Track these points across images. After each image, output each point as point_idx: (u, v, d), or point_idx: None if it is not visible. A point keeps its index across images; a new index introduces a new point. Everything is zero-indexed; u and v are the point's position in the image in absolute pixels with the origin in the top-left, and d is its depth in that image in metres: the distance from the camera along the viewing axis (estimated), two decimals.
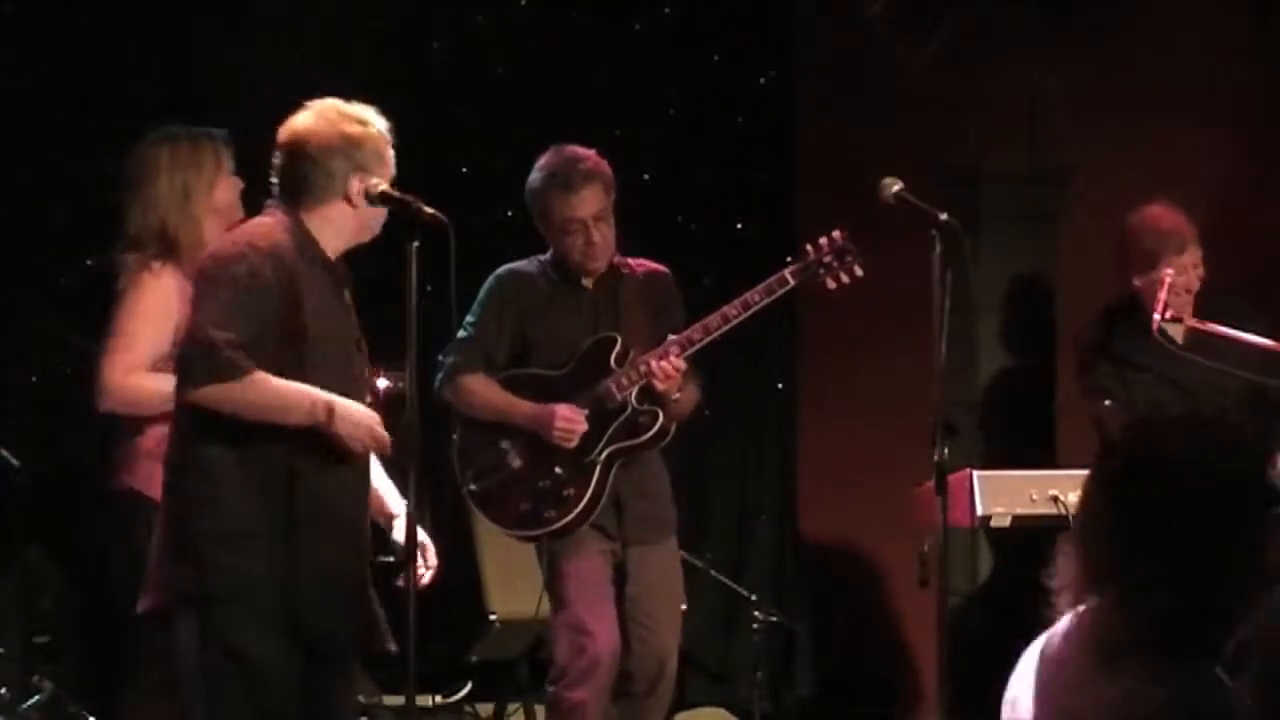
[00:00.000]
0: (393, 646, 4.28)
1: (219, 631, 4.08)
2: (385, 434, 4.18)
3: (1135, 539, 2.53)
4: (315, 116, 4.24)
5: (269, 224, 4.21)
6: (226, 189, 4.98)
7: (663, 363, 5.13)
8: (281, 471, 4.11)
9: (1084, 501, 2.65)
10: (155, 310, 4.86)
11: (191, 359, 4.10)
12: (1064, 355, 6.64)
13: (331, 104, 4.27)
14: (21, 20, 6.69)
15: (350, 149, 4.20)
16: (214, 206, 4.92)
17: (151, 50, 6.78)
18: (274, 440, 4.10)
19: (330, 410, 4.09)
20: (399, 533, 4.37)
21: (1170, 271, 5.64)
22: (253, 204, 4.59)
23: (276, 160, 4.27)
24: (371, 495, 4.35)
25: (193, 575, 4.09)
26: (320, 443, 4.12)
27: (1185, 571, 2.50)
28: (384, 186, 4.29)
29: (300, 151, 4.21)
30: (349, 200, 4.20)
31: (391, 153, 4.28)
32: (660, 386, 5.14)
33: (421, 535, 4.37)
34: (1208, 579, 2.50)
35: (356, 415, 4.15)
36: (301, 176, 4.20)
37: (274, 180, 4.28)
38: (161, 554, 4.16)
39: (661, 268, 5.41)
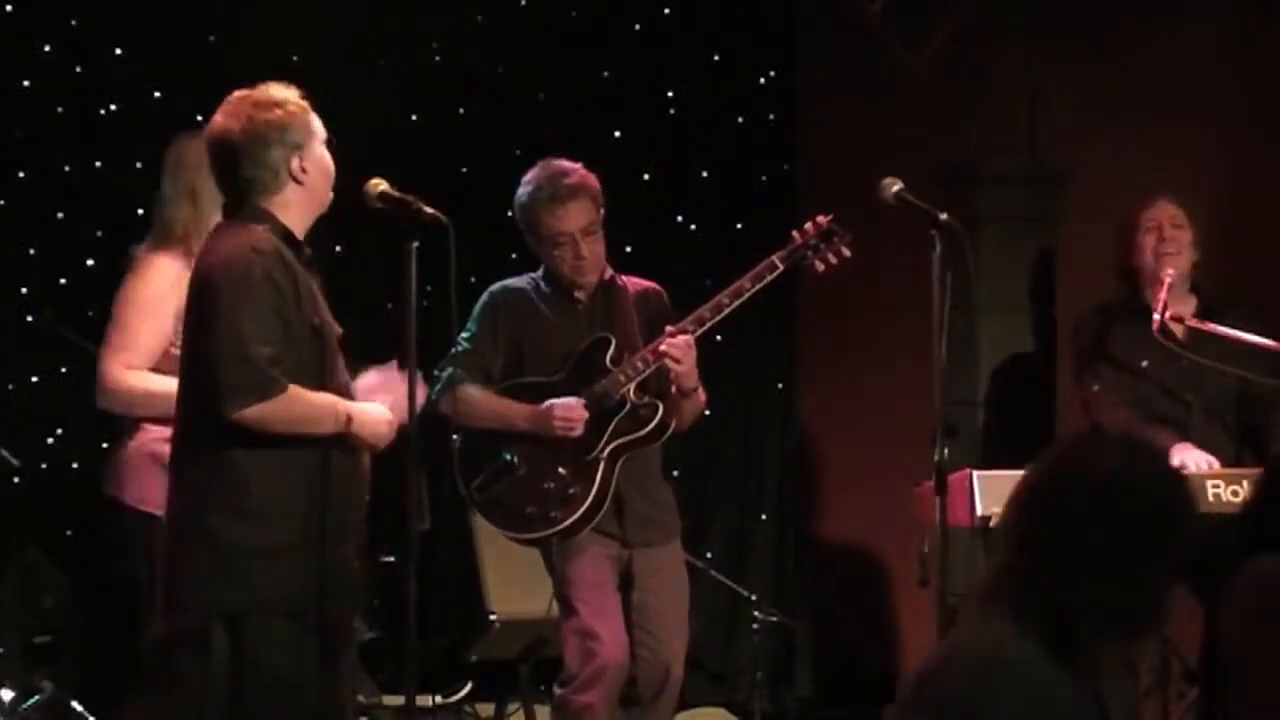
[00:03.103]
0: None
1: (255, 645, 4.04)
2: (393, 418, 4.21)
3: (1049, 548, 2.59)
4: (230, 116, 4.16)
5: (255, 227, 4.14)
6: None
7: (672, 340, 5.11)
8: (316, 477, 4.09)
9: (1009, 506, 2.70)
10: (156, 301, 4.83)
11: (234, 377, 4.00)
12: (1064, 355, 6.64)
13: (239, 97, 4.19)
14: (22, 20, 6.69)
15: (280, 134, 4.13)
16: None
17: (151, 50, 6.78)
18: (305, 447, 4.09)
19: (350, 418, 4.11)
20: None
21: (1171, 272, 5.66)
22: None
23: (215, 170, 4.22)
24: None
25: (234, 591, 4.05)
26: (340, 442, 4.13)
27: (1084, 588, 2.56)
28: (384, 186, 4.29)
29: (234, 155, 4.14)
30: (297, 180, 4.16)
31: (313, 117, 4.21)
32: (679, 365, 5.11)
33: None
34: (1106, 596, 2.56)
35: (373, 416, 4.18)
36: (247, 178, 4.14)
37: (221, 190, 4.23)
38: (192, 572, 4.09)
39: (655, 285, 5.41)
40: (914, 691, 2.62)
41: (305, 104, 4.20)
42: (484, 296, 5.34)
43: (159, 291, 4.86)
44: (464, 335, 5.26)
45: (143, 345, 4.83)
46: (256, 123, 4.12)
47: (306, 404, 4.08)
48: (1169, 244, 5.73)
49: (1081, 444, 2.69)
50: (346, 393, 4.21)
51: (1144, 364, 5.71)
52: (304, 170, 4.15)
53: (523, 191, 5.26)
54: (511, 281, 5.37)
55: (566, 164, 5.26)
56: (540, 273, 5.34)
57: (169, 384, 4.60)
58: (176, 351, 4.62)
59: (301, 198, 4.18)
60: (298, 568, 4.05)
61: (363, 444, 4.17)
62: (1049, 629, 2.57)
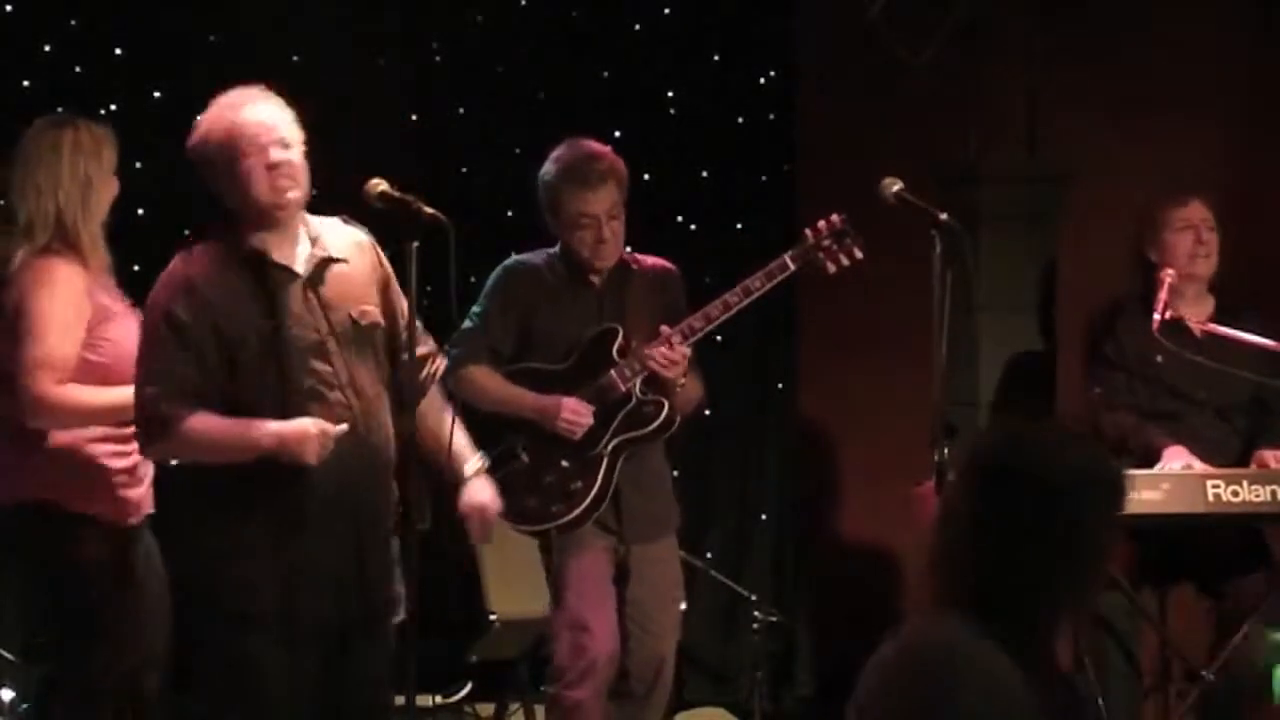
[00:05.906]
0: (400, 615, 4.26)
1: (223, 642, 4.07)
2: (329, 427, 4.10)
3: (987, 538, 2.69)
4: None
5: (196, 247, 4.22)
6: (115, 185, 4.75)
7: (663, 349, 5.11)
8: (281, 475, 4.08)
9: (946, 499, 2.83)
10: (71, 316, 4.61)
11: (136, 421, 4.18)
12: (1064, 355, 6.64)
13: (211, 108, 4.23)
14: (21, 20, 6.69)
15: (209, 163, 4.18)
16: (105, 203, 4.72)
17: (151, 50, 6.78)
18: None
19: (279, 440, 4.07)
20: (466, 496, 4.40)
21: (1170, 272, 5.65)
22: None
23: None
24: (446, 454, 4.37)
25: (200, 590, 4.14)
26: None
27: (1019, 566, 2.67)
28: (384, 186, 4.28)
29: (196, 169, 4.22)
30: (228, 204, 4.19)
31: (237, 137, 4.16)
32: (667, 373, 5.11)
33: (484, 497, 4.41)
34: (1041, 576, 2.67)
35: (297, 434, 4.08)
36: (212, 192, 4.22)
37: None
38: (179, 583, 4.34)
39: (670, 265, 5.38)
40: (873, 691, 2.67)
41: (233, 121, 4.16)
42: (498, 271, 5.29)
43: (73, 304, 4.61)
44: (475, 311, 5.22)
45: (70, 360, 4.57)
46: (193, 146, 4.20)
47: (211, 435, 4.09)
48: (1204, 246, 5.70)
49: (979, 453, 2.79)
50: (305, 400, 4.15)
51: (1158, 358, 5.68)
52: (222, 196, 4.19)
53: (550, 170, 5.20)
54: (527, 257, 5.32)
55: (596, 146, 5.21)
56: (556, 250, 5.28)
57: (102, 395, 4.58)
58: (94, 357, 4.60)
59: (243, 212, 4.20)
60: (260, 571, 4.09)
61: (300, 462, 4.08)
62: (1001, 619, 2.65)
